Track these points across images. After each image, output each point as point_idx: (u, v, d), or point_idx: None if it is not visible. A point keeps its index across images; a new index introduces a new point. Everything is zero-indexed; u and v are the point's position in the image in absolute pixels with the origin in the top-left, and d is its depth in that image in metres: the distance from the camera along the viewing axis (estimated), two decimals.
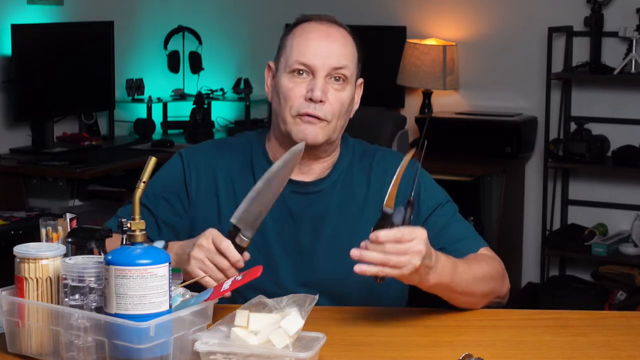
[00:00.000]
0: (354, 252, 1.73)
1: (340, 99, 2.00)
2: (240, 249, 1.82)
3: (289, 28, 2.07)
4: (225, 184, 2.08)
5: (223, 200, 2.07)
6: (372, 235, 1.72)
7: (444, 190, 2.14)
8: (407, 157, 1.78)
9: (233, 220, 1.83)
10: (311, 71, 1.99)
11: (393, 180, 1.76)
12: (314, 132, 1.98)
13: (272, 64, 2.08)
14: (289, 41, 2.03)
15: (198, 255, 1.81)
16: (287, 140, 2.01)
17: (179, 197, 2.09)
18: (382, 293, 2.05)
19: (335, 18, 2.08)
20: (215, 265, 1.80)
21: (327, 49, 1.99)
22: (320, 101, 1.97)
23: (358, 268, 1.73)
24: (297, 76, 1.99)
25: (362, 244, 1.74)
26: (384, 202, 1.75)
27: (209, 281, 1.79)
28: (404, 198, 1.93)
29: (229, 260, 1.80)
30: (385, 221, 1.74)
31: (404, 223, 1.75)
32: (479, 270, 1.94)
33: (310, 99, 1.97)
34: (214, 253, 1.80)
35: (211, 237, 1.82)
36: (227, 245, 1.80)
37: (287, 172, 1.82)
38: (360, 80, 2.11)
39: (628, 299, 4.51)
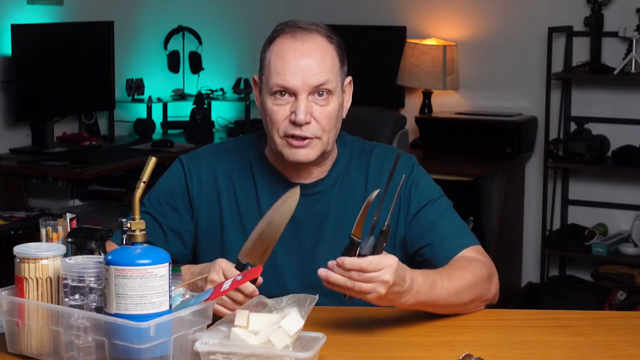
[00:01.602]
0: (321, 272, 1.74)
1: (326, 114, 1.98)
2: (252, 280, 1.81)
3: (266, 43, 2.03)
4: (226, 188, 2.08)
5: (225, 205, 2.07)
6: (339, 260, 1.73)
7: (439, 187, 2.13)
8: (373, 194, 1.78)
9: (240, 258, 1.83)
10: (292, 93, 1.97)
11: (361, 210, 1.76)
12: (305, 153, 1.98)
13: (256, 78, 2.06)
14: (267, 59, 2.00)
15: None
16: (282, 157, 2.02)
17: (183, 203, 2.09)
18: None
19: (310, 23, 2.02)
20: (231, 299, 1.80)
21: (304, 68, 1.95)
22: (306, 123, 1.96)
23: (328, 285, 1.75)
24: (279, 98, 1.97)
25: (330, 263, 1.75)
26: (352, 231, 1.75)
27: (221, 310, 1.79)
28: (405, 212, 1.93)
29: (243, 293, 1.79)
30: (352, 248, 1.75)
31: (374, 251, 1.75)
32: (459, 282, 1.92)
33: (295, 122, 1.96)
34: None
35: (221, 270, 1.82)
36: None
37: (287, 210, 1.81)
38: (349, 79, 2.07)
39: (628, 299, 4.51)
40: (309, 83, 1.95)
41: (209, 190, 2.09)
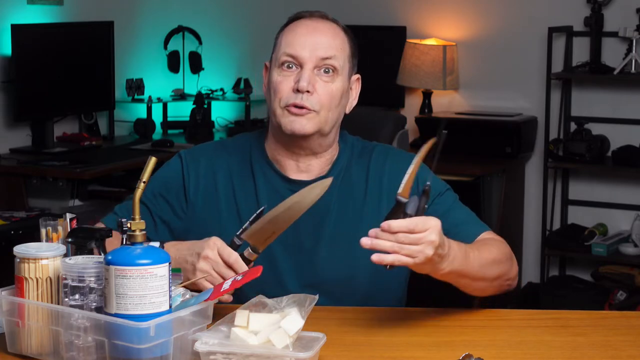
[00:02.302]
0: (365, 241, 1.69)
1: (329, 91, 2.00)
2: (247, 262, 1.81)
3: (282, 27, 2.08)
4: (225, 185, 2.09)
5: (223, 202, 2.08)
6: (385, 224, 1.69)
7: (444, 181, 2.14)
8: (428, 144, 1.76)
9: (244, 236, 1.82)
10: (299, 63, 2.00)
11: (410, 169, 1.74)
12: (301, 123, 1.99)
13: (267, 64, 2.10)
14: (280, 38, 2.05)
15: (204, 267, 1.81)
16: (280, 133, 2.03)
17: (177, 196, 2.09)
18: (383, 291, 2.05)
19: (326, 14, 2.09)
20: (222, 277, 1.80)
21: (314, 41, 2.01)
22: (307, 91, 1.98)
23: (376, 257, 1.69)
24: (285, 69, 2.01)
25: (372, 232, 1.70)
26: (399, 191, 1.72)
27: (206, 284, 1.79)
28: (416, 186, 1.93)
29: (236, 273, 1.79)
30: (398, 210, 1.72)
31: (417, 213, 1.72)
32: (488, 255, 1.94)
33: (297, 90, 1.98)
34: (221, 266, 1.80)
35: (216, 248, 1.82)
36: (235, 258, 1.81)
37: (309, 201, 1.79)
38: (357, 76, 2.11)
39: (628, 299, 4.51)
40: (316, 55, 1.99)
41: (207, 186, 2.09)
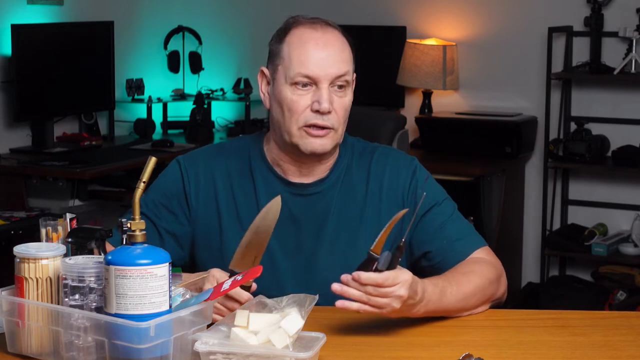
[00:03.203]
0: (335, 287, 1.75)
1: (344, 106, 2.00)
2: (246, 289, 1.81)
3: (281, 34, 2.03)
4: (224, 189, 2.08)
5: (223, 206, 2.07)
6: (355, 274, 1.74)
7: (443, 188, 2.13)
8: (401, 213, 1.80)
9: (231, 267, 1.83)
10: (314, 82, 1.97)
11: (385, 228, 1.77)
12: (323, 144, 1.98)
13: (265, 71, 2.06)
14: (286, 50, 2.00)
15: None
16: (293, 150, 2.02)
17: (179, 204, 2.08)
18: None
19: (325, 19, 2.04)
20: (227, 308, 1.80)
21: (327, 58, 1.97)
22: (328, 112, 1.97)
23: (340, 303, 1.75)
24: (300, 88, 1.98)
25: (344, 277, 1.75)
26: (372, 247, 1.76)
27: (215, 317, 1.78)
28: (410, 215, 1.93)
29: (239, 302, 1.79)
30: (369, 263, 1.76)
31: (389, 267, 1.76)
32: (467, 287, 1.93)
33: (317, 111, 1.96)
34: (223, 299, 1.80)
35: (215, 281, 1.81)
36: (234, 291, 1.79)
37: (272, 219, 1.81)
38: (354, 75, 2.09)
39: (628, 299, 4.51)
40: (332, 73, 1.97)
41: (207, 190, 2.08)
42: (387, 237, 1.77)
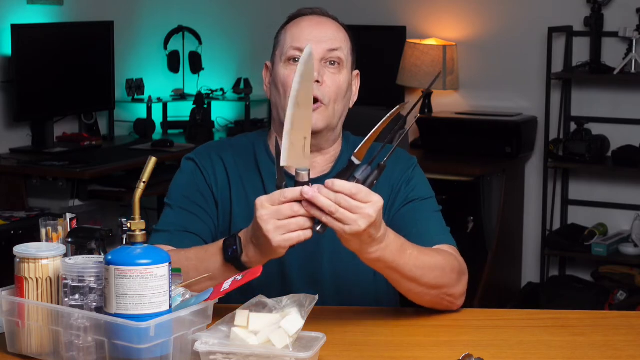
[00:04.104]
0: (306, 190, 1.66)
1: (336, 82, 2.01)
2: (300, 184, 1.69)
3: (283, 25, 2.09)
4: (235, 177, 2.08)
5: (234, 194, 2.07)
6: (329, 181, 1.66)
7: (432, 190, 2.12)
8: (394, 110, 1.72)
9: (282, 163, 1.71)
10: None
11: (371, 132, 1.71)
12: (314, 119, 1.96)
13: (269, 63, 2.10)
14: (283, 35, 2.06)
15: (269, 226, 1.70)
16: None
17: (205, 198, 2.06)
18: (387, 284, 2.02)
19: (326, 11, 2.10)
20: (290, 216, 1.69)
21: (319, 33, 2.02)
22: (317, 81, 1.97)
23: (306, 207, 1.66)
24: (292, 63, 2.00)
25: (315, 186, 1.67)
26: (355, 151, 1.70)
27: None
28: (391, 205, 1.90)
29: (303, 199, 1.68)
30: (347, 171, 1.69)
31: (365, 183, 1.69)
32: (429, 259, 1.87)
33: None
34: (279, 210, 1.69)
35: (262, 203, 1.71)
36: (283, 193, 1.69)
37: (308, 80, 1.70)
38: (357, 71, 2.12)
39: (628, 299, 4.51)
40: (323, 47, 2.00)
41: (222, 184, 2.08)
42: (371, 144, 1.70)
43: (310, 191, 1.66)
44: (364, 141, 1.71)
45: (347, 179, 1.69)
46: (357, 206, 1.66)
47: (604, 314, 2.24)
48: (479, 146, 4.85)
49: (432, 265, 1.87)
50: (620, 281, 4.62)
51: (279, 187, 1.73)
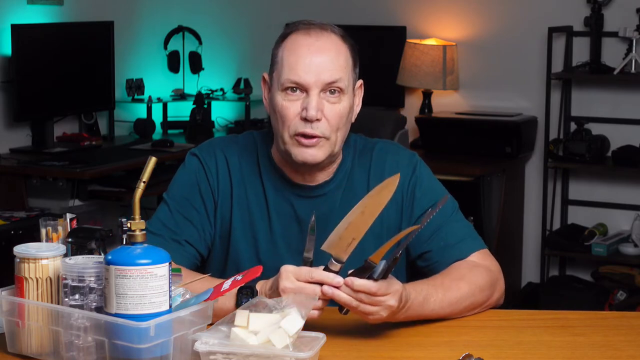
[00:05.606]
0: (326, 289, 1.73)
1: (337, 112, 1.96)
2: (331, 271, 1.78)
3: (279, 39, 2.01)
4: (237, 181, 2.07)
5: (235, 198, 2.06)
6: (348, 280, 1.73)
7: (443, 187, 2.12)
8: (410, 229, 1.77)
9: (324, 248, 1.78)
10: (304, 88, 1.94)
11: (390, 240, 1.76)
12: (314, 154, 1.96)
13: (266, 77, 2.04)
14: (280, 56, 1.98)
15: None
16: (288, 158, 2.00)
17: (204, 201, 2.06)
18: None
19: (324, 23, 2.01)
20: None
21: (318, 64, 1.94)
22: (317, 119, 1.94)
23: (329, 290, 1.73)
24: (290, 94, 1.95)
25: (335, 281, 1.73)
26: (372, 255, 1.74)
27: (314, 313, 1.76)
28: (409, 213, 1.88)
29: (329, 285, 1.75)
30: (365, 270, 1.74)
31: (384, 276, 1.75)
32: (455, 294, 1.91)
33: (306, 119, 1.93)
34: (303, 288, 1.76)
35: (290, 276, 1.77)
36: (319, 274, 1.76)
37: (383, 199, 1.76)
38: (360, 82, 2.06)
39: (628, 299, 4.51)
40: (322, 79, 1.94)
41: (225, 185, 2.07)
42: (388, 249, 1.75)
43: (329, 290, 1.74)
44: (380, 248, 1.75)
45: (366, 277, 1.74)
46: (378, 301, 1.75)
47: (604, 314, 2.24)
48: (479, 146, 4.85)
49: (459, 298, 1.92)
50: (620, 281, 4.62)
51: (305, 258, 1.83)
